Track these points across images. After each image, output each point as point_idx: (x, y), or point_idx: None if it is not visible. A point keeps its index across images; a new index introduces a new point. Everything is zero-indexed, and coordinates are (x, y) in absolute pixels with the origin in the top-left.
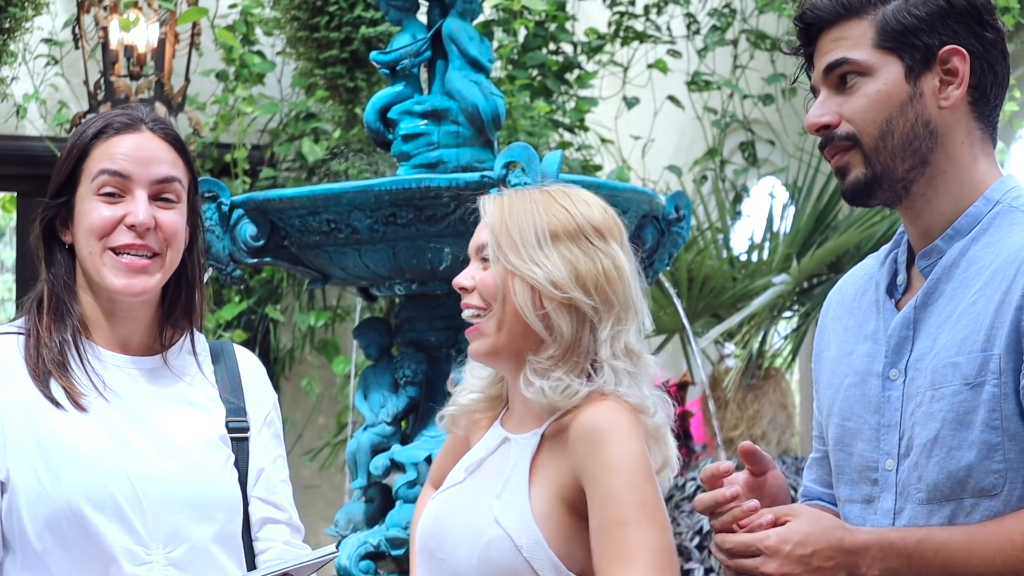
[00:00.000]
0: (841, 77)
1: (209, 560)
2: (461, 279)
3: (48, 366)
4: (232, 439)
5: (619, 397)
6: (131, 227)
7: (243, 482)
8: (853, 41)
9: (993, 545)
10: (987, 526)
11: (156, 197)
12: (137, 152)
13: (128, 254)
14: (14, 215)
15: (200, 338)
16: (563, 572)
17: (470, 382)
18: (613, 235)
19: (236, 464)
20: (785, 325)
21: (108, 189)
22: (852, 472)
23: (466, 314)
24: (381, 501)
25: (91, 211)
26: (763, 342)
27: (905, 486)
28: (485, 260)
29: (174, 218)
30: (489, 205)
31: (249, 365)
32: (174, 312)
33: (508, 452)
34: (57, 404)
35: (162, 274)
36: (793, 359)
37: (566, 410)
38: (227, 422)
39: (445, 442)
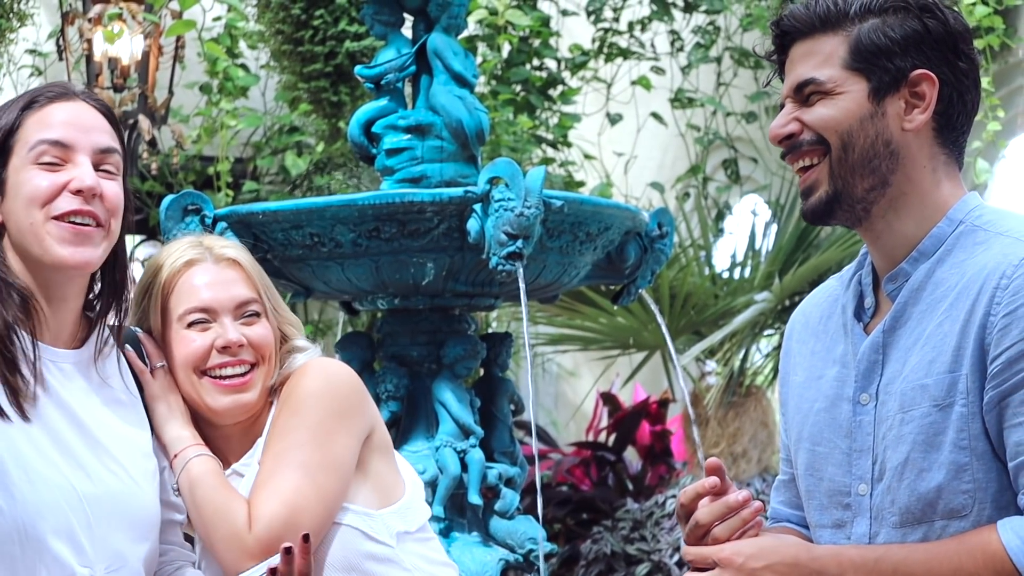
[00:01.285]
0: (808, 95)
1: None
2: (235, 337)
3: None
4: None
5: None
6: (77, 192)
7: None
8: (823, 58)
9: (953, 562)
10: (947, 543)
11: (97, 167)
12: (77, 120)
13: (73, 222)
14: None
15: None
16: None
17: None
18: None
19: None
20: (766, 343)
21: (48, 158)
22: (822, 497)
23: (231, 371)
24: None
25: (30, 179)
26: (744, 360)
27: (879, 510)
28: (251, 316)
29: (116, 189)
30: (241, 257)
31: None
32: (102, 298)
33: (241, 485)
34: (2, 413)
35: (105, 246)
36: (774, 377)
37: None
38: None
39: None
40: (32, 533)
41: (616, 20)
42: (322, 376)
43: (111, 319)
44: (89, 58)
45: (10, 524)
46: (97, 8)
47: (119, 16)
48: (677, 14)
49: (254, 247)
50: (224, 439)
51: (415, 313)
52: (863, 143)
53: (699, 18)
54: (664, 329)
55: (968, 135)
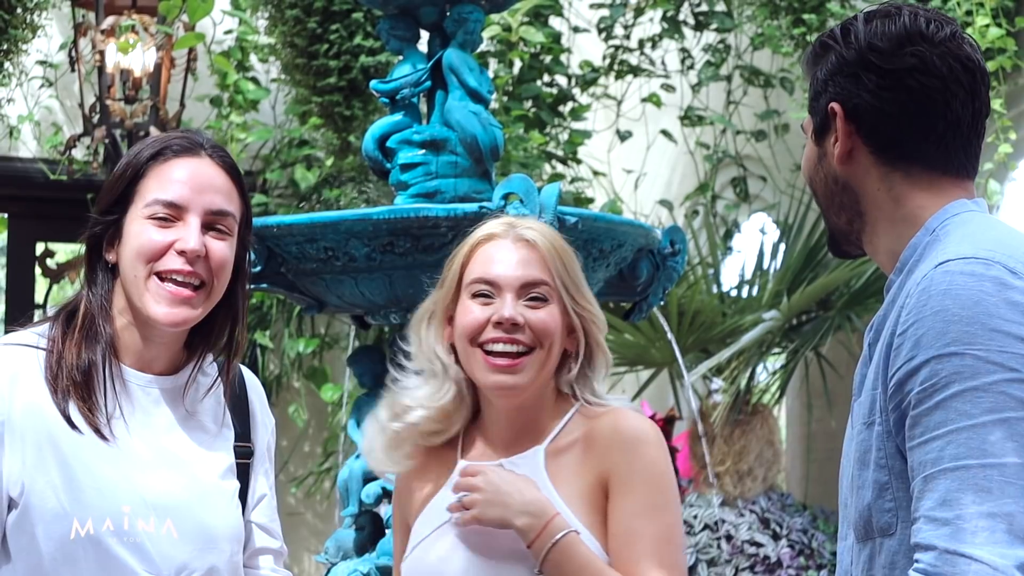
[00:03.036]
0: None
1: None
2: (514, 315)
3: (68, 385)
4: (238, 464)
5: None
6: (181, 253)
7: (242, 507)
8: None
9: None
10: None
11: (208, 227)
12: (194, 179)
13: (173, 281)
14: (5, 236)
15: (209, 359)
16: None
17: (412, 401)
18: None
19: (240, 491)
20: (773, 361)
21: (160, 215)
22: (841, 511)
23: (503, 347)
24: (372, 529)
25: (140, 233)
26: (751, 378)
27: (852, 524)
28: (536, 300)
29: (224, 250)
30: (540, 240)
31: (255, 389)
32: (208, 340)
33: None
34: (75, 427)
35: (205, 307)
36: (781, 395)
37: (564, 425)
38: (235, 448)
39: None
40: (95, 537)
41: (627, 37)
42: (664, 452)
43: (212, 357)
44: (101, 70)
45: (76, 526)
46: (110, 20)
47: (132, 28)
48: (688, 32)
49: (268, 260)
50: (496, 422)
51: None
52: (820, 185)
53: (710, 36)
54: (675, 346)
55: (944, 141)
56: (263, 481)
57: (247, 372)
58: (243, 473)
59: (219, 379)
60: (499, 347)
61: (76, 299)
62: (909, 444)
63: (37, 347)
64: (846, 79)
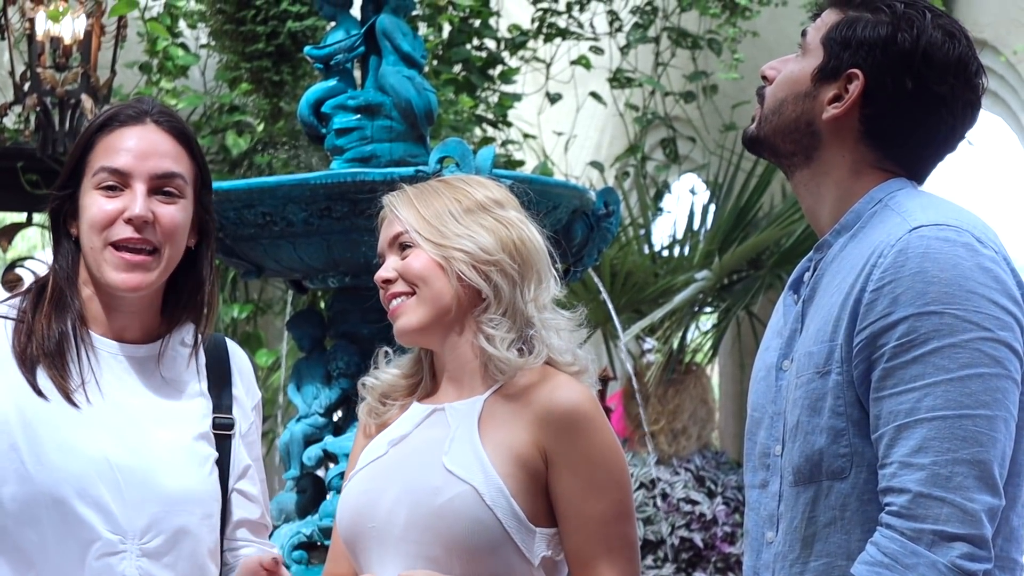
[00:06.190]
0: (800, 46)
1: (182, 551)
2: (383, 273)
3: (36, 354)
4: (216, 435)
5: (573, 374)
6: (128, 221)
7: (224, 478)
8: (820, 24)
9: None
10: None
11: (157, 191)
12: (138, 146)
13: (127, 249)
14: None
15: (192, 331)
16: (524, 522)
17: (385, 368)
18: (511, 204)
19: (218, 461)
20: (705, 320)
21: (108, 184)
22: (754, 459)
23: (393, 304)
24: (313, 492)
25: (91, 205)
26: (684, 337)
27: (783, 469)
28: (404, 248)
29: (173, 213)
30: (395, 199)
31: (240, 362)
32: (178, 306)
33: (444, 419)
34: (42, 394)
35: (161, 270)
36: (713, 354)
37: (510, 377)
38: (213, 418)
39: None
40: (58, 497)
41: (555, 0)
42: (603, 424)
43: (186, 326)
44: (31, 37)
45: (38, 488)
46: None
47: None
48: None
49: None
50: (439, 370)
51: (366, 291)
52: (789, 114)
53: None
54: (610, 307)
55: (925, 156)
56: (247, 452)
57: (234, 346)
58: (223, 444)
59: (197, 348)
60: (391, 304)
61: (48, 274)
62: (877, 395)
63: (6, 317)
64: (888, 60)
